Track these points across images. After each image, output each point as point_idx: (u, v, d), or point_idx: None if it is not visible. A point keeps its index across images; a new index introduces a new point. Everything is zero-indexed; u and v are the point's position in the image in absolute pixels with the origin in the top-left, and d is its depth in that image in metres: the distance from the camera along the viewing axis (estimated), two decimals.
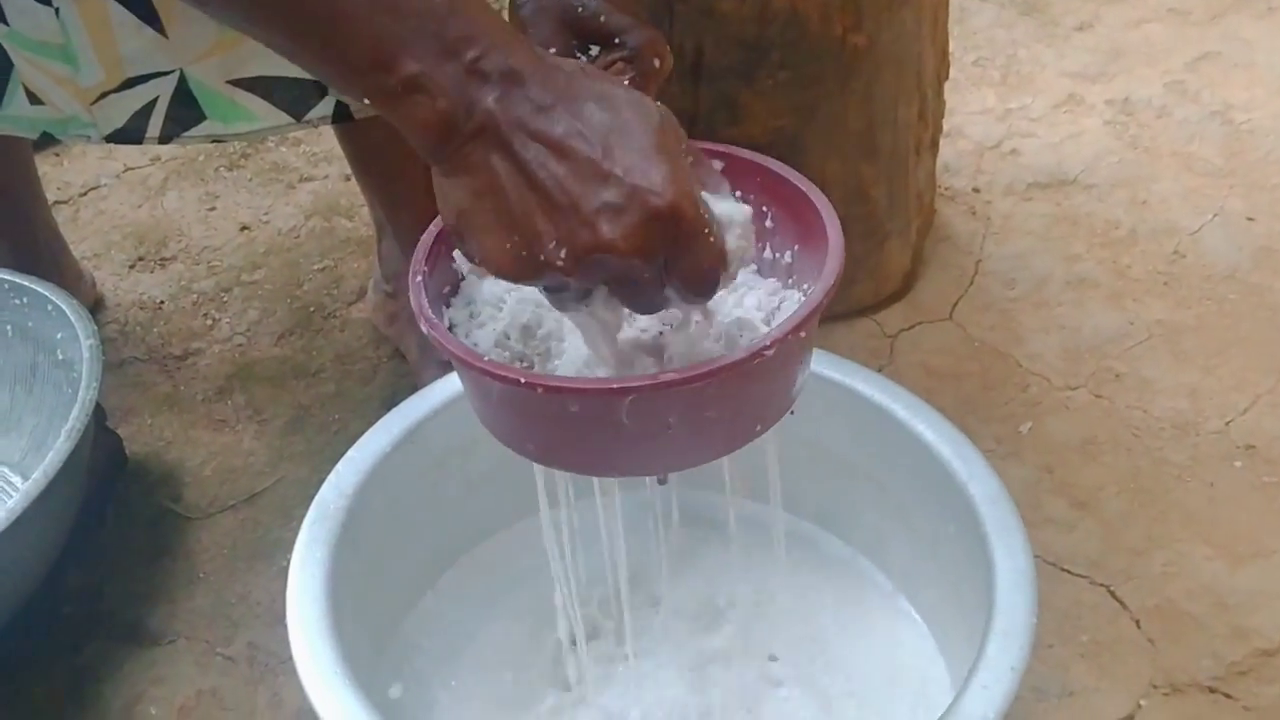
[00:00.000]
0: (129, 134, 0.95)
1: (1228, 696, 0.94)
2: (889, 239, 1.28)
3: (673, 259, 0.55)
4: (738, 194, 0.63)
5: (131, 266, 1.44)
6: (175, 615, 1.05)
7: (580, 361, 0.65)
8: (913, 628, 0.93)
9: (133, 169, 1.60)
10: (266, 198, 1.52)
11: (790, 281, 0.70)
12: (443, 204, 0.58)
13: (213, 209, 1.51)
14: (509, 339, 0.67)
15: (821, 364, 0.94)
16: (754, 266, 0.71)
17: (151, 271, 1.43)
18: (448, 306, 0.69)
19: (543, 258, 0.55)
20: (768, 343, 0.59)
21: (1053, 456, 1.14)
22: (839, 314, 1.30)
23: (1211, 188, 1.44)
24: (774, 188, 0.69)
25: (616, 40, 0.70)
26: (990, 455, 0.84)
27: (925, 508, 0.90)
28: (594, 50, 0.71)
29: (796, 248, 0.69)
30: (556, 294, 0.58)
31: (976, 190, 1.47)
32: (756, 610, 0.95)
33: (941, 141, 1.35)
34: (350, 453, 0.89)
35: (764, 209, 0.69)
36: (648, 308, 0.58)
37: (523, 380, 0.59)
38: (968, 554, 0.83)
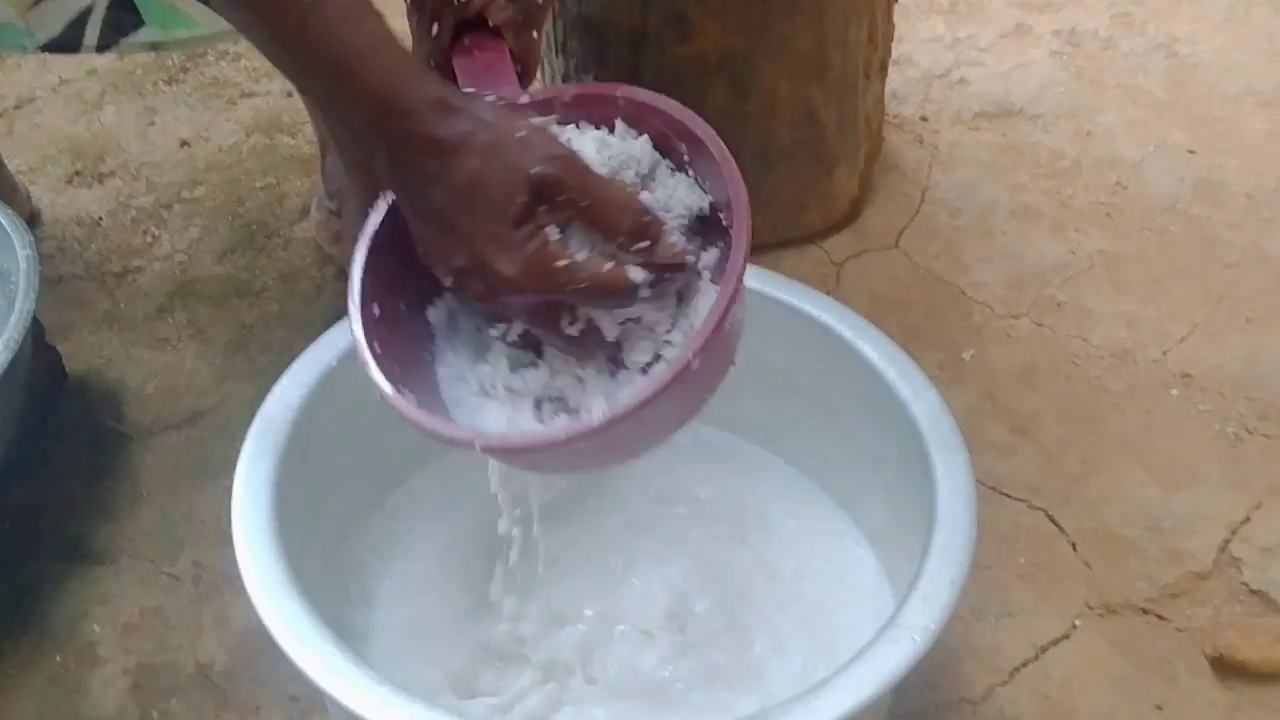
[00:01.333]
0: (65, 42, 0.93)
1: (1160, 618, 0.97)
2: (838, 165, 1.28)
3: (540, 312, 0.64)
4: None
5: (68, 182, 1.40)
6: (119, 534, 1.04)
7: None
8: (856, 546, 0.94)
9: (68, 82, 1.55)
10: (207, 113, 1.49)
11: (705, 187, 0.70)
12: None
13: (151, 124, 1.48)
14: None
15: (769, 285, 0.94)
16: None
17: (89, 187, 1.40)
18: (431, 304, 0.71)
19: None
20: (690, 356, 0.61)
21: (994, 383, 1.16)
22: (787, 241, 1.30)
23: (1155, 120, 1.45)
24: (683, 133, 0.69)
25: None
26: (934, 382, 0.85)
27: (869, 428, 0.91)
28: None
29: (707, 183, 0.69)
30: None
31: (924, 119, 1.47)
32: (699, 522, 0.96)
33: (890, 69, 1.35)
34: (295, 366, 0.88)
35: (680, 145, 0.69)
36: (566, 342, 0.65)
37: (479, 446, 0.64)
38: (910, 473, 0.84)
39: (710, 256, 0.68)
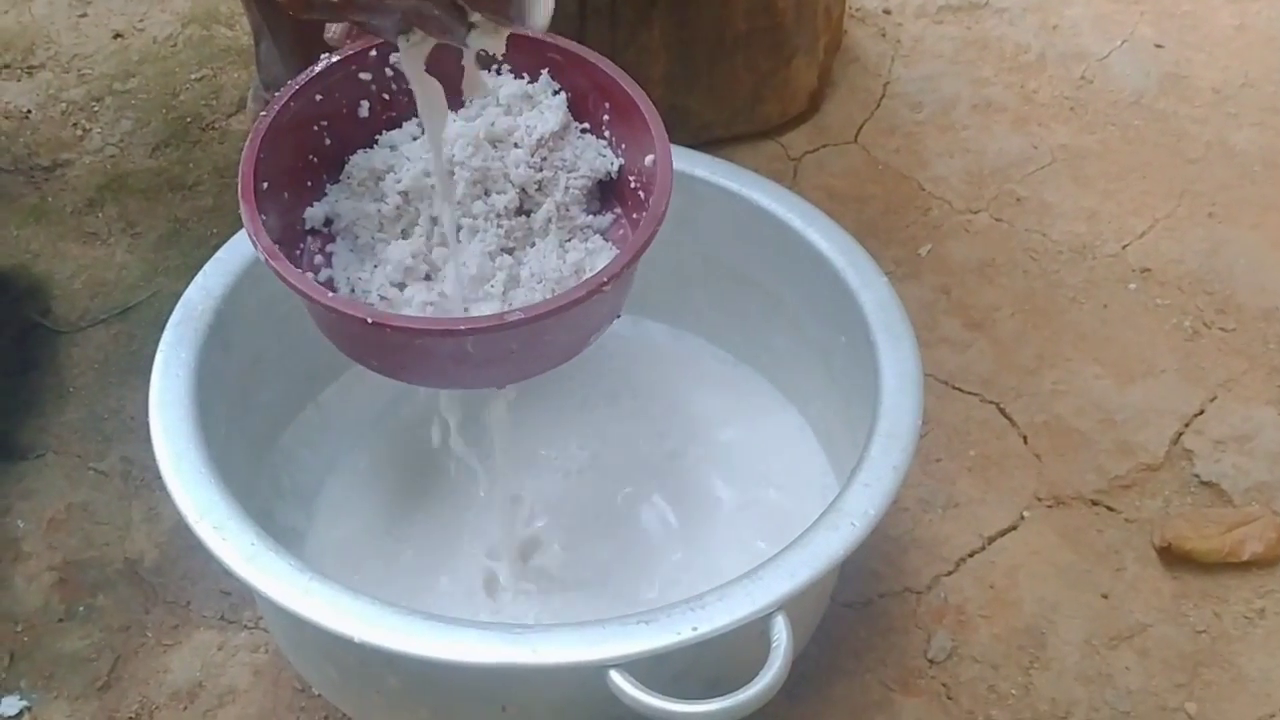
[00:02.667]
0: None
1: (1110, 509, 0.96)
2: (796, 55, 1.24)
3: None
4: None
5: None
6: (45, 429, 1.01)
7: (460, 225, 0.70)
8: (803, 438, 0.92)
9: None
10: (141, 4, 1.43)
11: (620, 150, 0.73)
12: None
13: (84, 15, 1.42)
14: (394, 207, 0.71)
15: (717, 173, 0.91)
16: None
17: (18, 80, 1.34)
18: (320, 198, 0.72)
19: None
20: (605, 278, 0.63)
21: (950, 278, 1.13)
22: (742, 134, 1.27)
23: (1122, 14, 1.41)
24: (610, 93, 0.71)
25: None
26: (889, 277, 0.83)
27: (817, 319, 0.88)
28: None
29: (624, 146, 0.72)
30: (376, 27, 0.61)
31: (887, 12, 1.43)
32: (643, 416, 0.94)
33: None
34: (220, 253, 0.85)
35: (603, 105, 0.72)
36: (450, 34, 0.60)
37: (370, 320, 0.63)
38: (858, 363, 0.82)
39: (604, 220, 0.72)
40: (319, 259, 0.71)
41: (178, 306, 0.81)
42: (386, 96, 0.74)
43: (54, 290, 1.11)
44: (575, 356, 0.69)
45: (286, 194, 0.71)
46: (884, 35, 1.40)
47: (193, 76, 1.33)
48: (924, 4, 1.43)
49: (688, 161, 0.91)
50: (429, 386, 0.75)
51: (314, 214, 0.72)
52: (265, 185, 0.68)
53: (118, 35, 1.39)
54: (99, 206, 1.19)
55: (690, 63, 1.20)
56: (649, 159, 0.68)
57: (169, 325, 0.80)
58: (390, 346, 0.67)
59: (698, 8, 1.17)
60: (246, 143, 0.68)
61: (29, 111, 1.30)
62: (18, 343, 1.07)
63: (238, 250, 0.85)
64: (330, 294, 0.66)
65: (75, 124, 1.28)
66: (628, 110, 0.70)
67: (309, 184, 0.72)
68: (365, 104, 0.73)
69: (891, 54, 1.37)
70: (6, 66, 1.35)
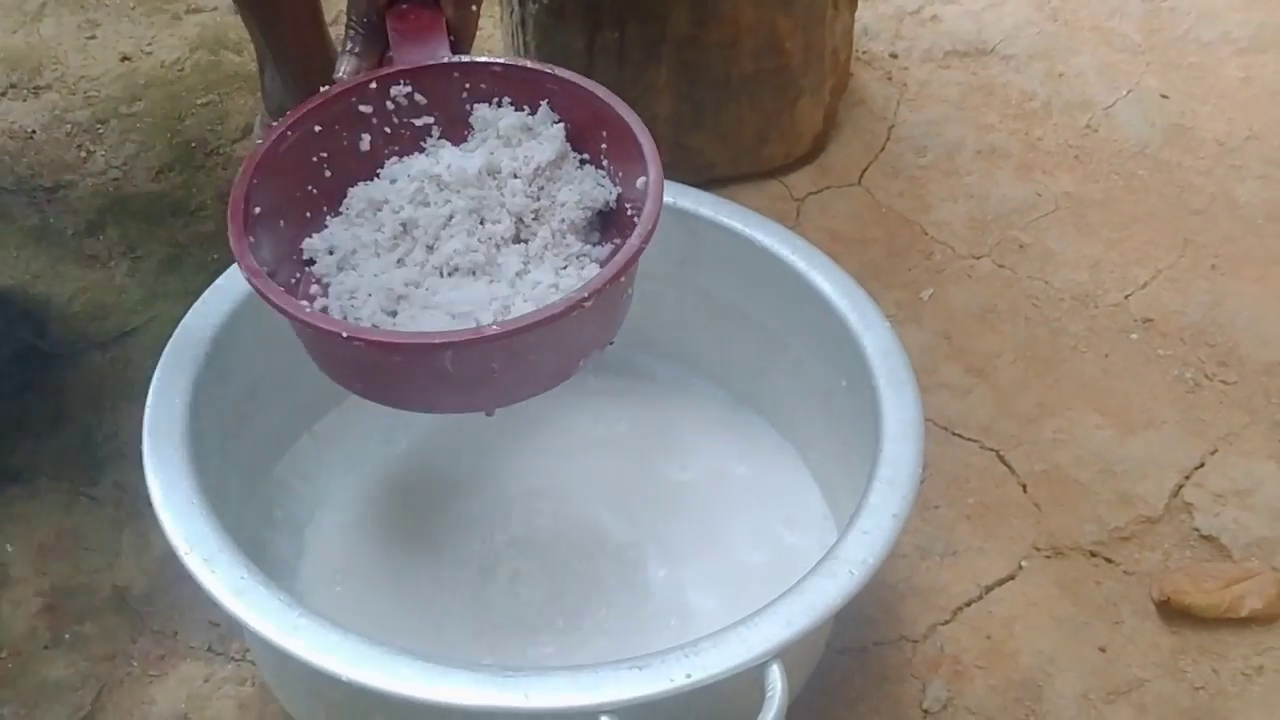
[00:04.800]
0: None
1: (1109, 560, 0.95)
2: (802, 97, 1.25)
3: None
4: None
5: (3, 94, 1.35)
6: (38, 453, 1.00)
7: (455, 253, 0.69)
8: (802, 481, 0.92)
9: None
10: (150, 28, 1.43)
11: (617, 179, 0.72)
12: None
13: (92, 38, 1.42)
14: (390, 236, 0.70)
15: (722, 214, 0.91)
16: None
17: (24, 100, 1.34)
18: (320, 229, 0.71)
19: None
20: (586, 294, 0.62)
21: (952, 323, 1.13)
22: (747, 174, 1.27)
23: (1128, 64, 1.42)
24: (608, 121, 0.71)
25: None
26: (890, 321, 0.82)
27: (819, 361, 0.88)
28: None
29: (621, 174, 0.71)
30: None
31: (894, 56, 1.43)
32: (642, 452, 0.93)
33: (862, 4, 1.31)
34: (219, 280, 0.84)
35: (601, 134, 0.72)
36: None
37: (344, 334, 0.62)
38: (858, 407, 0.81)
39: (602, 251, 0.71)
40: (315, 289, 0.71)
41: (175, 332, 0.81)
42: (388, 130, 0.73)
43: (52, 312, 1.10)
44: (564, 380, 0.68)
45: (283, 222, 0.70)
46: (890, 79, 1.40)
47: (199, 102, 1.33)
48: (930, 49, 1.44)
49: (692, 200, 0.91)
50: (415, 410, 0.73)
51: (312, 245, 0.71)
52: (258, 210, 0.68)
53: (125, 58, 1.39)
54: (100, 229, 1.18)
55: (696, 102, 1.21)
56: (640, 181, 0.68)
57: (165, 351, 0.80)
58: (370, 365, 0.67)
59: (705, 48, 1.17)
60: (242, 167, 0.68)
61: (34, 132, 1.30)
62: (13, 364, 1.06)
63: (238, 278, 0.84)
64: (308, 308, 0.65)
65: (79, 146, 1.28)
66: (623, 136, 0.70)
67: (308, 215, 0.72)
68: (366, 137, 0.73)
69: (897, 98, 1.38)
70: (13, 86, 1.36)
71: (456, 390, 0.66)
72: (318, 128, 0.71)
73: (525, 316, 0.62)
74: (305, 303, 0.68)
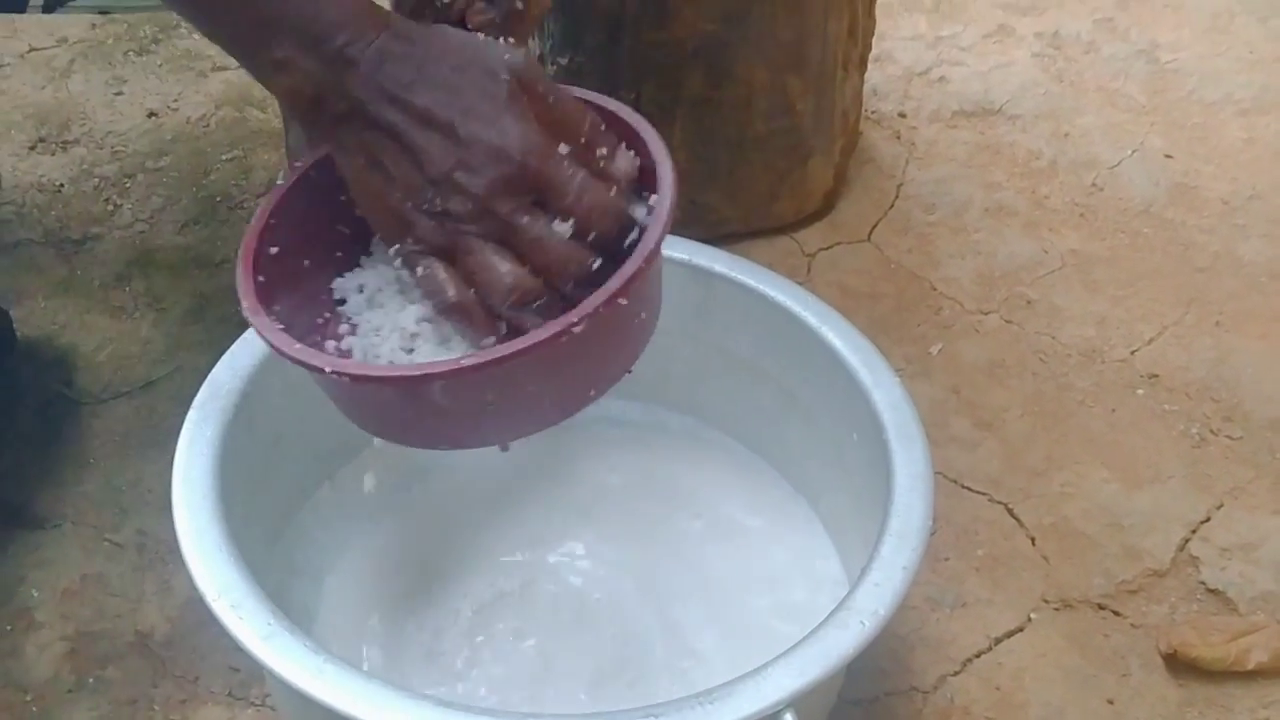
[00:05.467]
0: (11, 2, 0.91)
1: (1116, 614, 0.96)
2: (812, 156, 1.27)
3: (549, 204, 0.61)
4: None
5: (31, 148, 1.38)
6: (63, 499, 1.02)
7: None
8: (812, 532, 0.93)
9: (37, 50, 1.53)
10: (176, 85, 1.47)
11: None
12: (347, 178, 0.65)
13: (120, 94, 1.46)
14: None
15: (736, 270, 0.93)
16: None
17: (53, 154, 1.37)
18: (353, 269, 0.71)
19: (422, 207, 0.61)
20: (575, 319, 0.58)
21: (960, 378, 1.15)
22: (758, 231, 1.29)
23: (1133, 124, 1.45)
24: (630, 141, 0.69)
25: None
26: (899, 374, 0.84)
27: (831, 415, 0.90)
28: None
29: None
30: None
31: (902, 115, 1.46)
32: (653, 503, 0.95)
33: (871, 65, 1.34)
34: (249, 333, 0.86)
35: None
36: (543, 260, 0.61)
37: (327, 369, 0.61)
38: (869, 460, 0.83)
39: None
40: (344, 328, 0.70)
41: (204, 384, 0.83)
42: None
43: (79, 362, 1.13)
44: (577, 410, 0.66)
45: (308, 261, 0.70)
46: (899, 138, 1.43)
47: (224, 157, 1.36)
48: (938, 109, 1.47)
49: (707, 257, 0.94)
50: (420, 446, 0.72)
51: (343, 284, 0.71)
52: (275, 250, 0.68)
53: (152, 114, 1.42)
54: (126, 281, 1.21)
55: (710, 160, 1.23)
56: (653, 199, 0.65)
57: (195, 403, 0.82)
58: (371, 402, 0.66)
59: (719, 108, 1.20)
60: (259, 208, 0.68)
61: (62, 185, 1.33)
62: (40, 413, 1.08)
63: None
64: (297, 345, 0.63)
65: (107, 199, 1.31)
66: (637, 141, 0.68)
67: (338, 254, 0.72)
68: None
69: (906, 156, 1.40)
70: (42, 140, 1.39)
71: (456, 424, 0.64)
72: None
73: (508, 345, 0.59)
74: (333, 342, 0.68)
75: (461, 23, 0.72)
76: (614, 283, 0.60)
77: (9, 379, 1.10)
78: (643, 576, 0.92)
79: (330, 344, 0.67)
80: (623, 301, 0.59)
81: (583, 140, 0.62)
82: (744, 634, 0.87)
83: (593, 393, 0.66)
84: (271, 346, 0.64)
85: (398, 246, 0.64)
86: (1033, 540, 1.01)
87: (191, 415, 0.81)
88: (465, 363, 0.59)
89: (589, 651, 0.87)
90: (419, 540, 0.95)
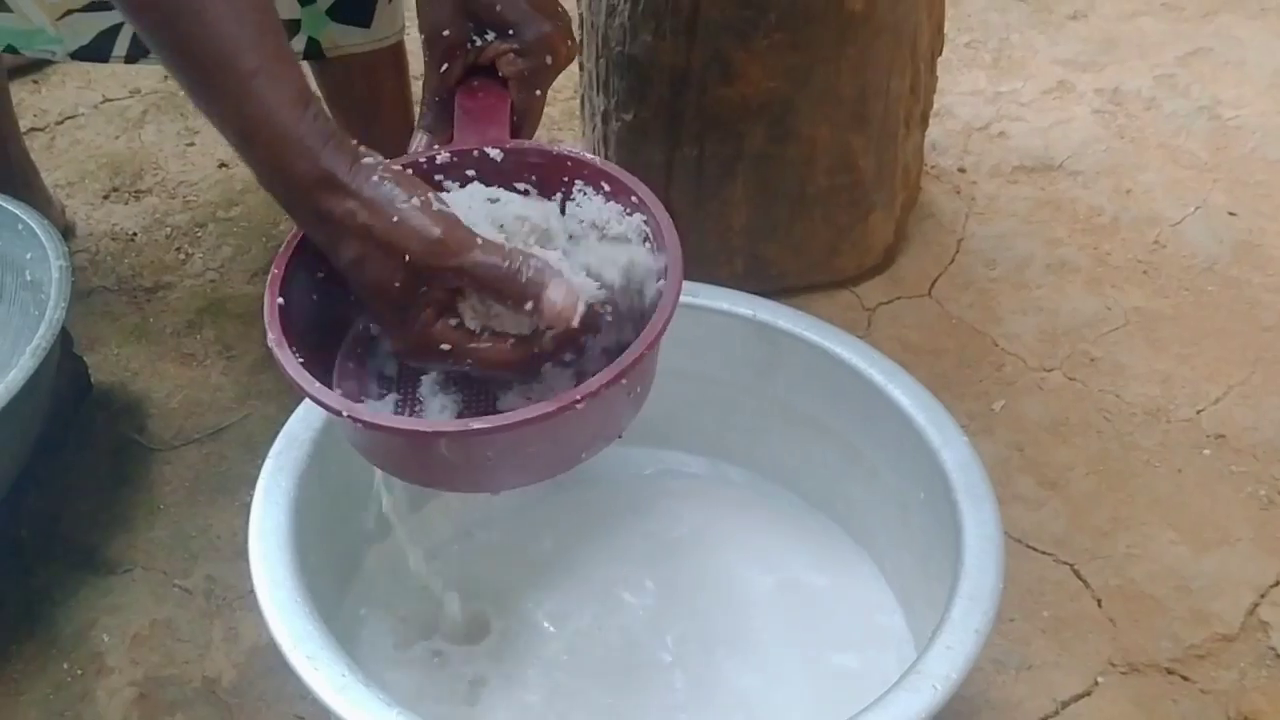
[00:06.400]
0: (94, 51, 0.93)
1: (1185, 679, 0.95)
2: (873, 211, 1.28)
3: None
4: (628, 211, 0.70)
5: (105, 197, 1.41)
6: (133, 545, 1.03)
7: None
8: (879, 590, 0.93)
9: (111, 100, 1.57)
10: None
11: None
12: None
13: (191, 144, 1.49)
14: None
15: (800, 326, 0.94)
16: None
17: (126, 203, 1.41)
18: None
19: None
20: (579, 396, 0.62)
21: (1024, 435, 1.14)
22: (820, 285, 1.30)
23: (1196, 180, 1.44)
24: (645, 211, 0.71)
25: (511, 31, 0.74)
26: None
27: (897, 473, 0.90)
28: (489, 36, 0.74)
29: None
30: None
31: (962, 170, 1.46)
32: (720, 561, 0.95)
33: (931, 121, 1.34)
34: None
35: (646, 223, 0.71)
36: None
37: (344, 413, 0.64)
38: (937, 519, 0.83)
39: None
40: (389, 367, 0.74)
41: (279, 436, 0.84)
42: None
43: (151, 408, 1.15)
44: (566, 470, 0.69)
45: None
46: (958, 193, 1.43)
47: None
48: (998, 164, 1.47)
49: (772, 313, 0.94)
50: (432, 487, 0.76)
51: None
52: (315, 297, 0.70)
53: (223, 165, 1.45)
54: (198, 329, 1.23)
55: (771, 215, 1.24)
56: (661, 283, 0.67)
57: (270, 454, 0.83)
58: (375, 441, 0.69)
59: (781, 165, 1.21)
60: (287, 238, 0.70)
61: (135, 234, 1.36)
62: (113, 458, 1.10)
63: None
64: (318, 385, 0.66)
65: (178, 248, 1.33)
66: (655, 233, 0.70)
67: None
68: None
69: (966, 211, 1.41)
70: (115, 190, 1.42)
71: (457, 473, 0.68)
72: None
73: (516, 413, 0.63)
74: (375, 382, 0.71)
75: (492, 69, 0.75)
76: (618, 365, 0.63)
77: (84, 426, 1.12)
78: (705, 631, 0.92)
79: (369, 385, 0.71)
80: (624, 382, 0.63)
81: (510, 302, 0.62)
82: (810, 694, 0.86)
83: (584, 455, 0.69)
84: (293, 383, 0.66)
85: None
86: (1099, 602, 1.00)
87: (267, 466, 0.82)
88: (474, 425, 0.62)
89: (649, 707, 0.87)
90: (481, 587, 0.95)
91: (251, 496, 0.80)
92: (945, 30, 1.29)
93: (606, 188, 0.72)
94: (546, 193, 0.73)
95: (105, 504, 1.06)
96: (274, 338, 0.66)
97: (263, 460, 0.83)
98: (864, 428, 0.92)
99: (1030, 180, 1.45)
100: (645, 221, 0.70)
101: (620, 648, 0.91)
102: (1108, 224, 1.38)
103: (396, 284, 0.62)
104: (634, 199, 0.71)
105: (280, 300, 0.68)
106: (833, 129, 1.20)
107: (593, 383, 0.63)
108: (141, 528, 1.05)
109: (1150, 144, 1.50)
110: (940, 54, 1.30)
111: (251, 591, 0.74)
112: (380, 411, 0.70)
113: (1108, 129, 1.53)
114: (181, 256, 1.32)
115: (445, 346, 0.64)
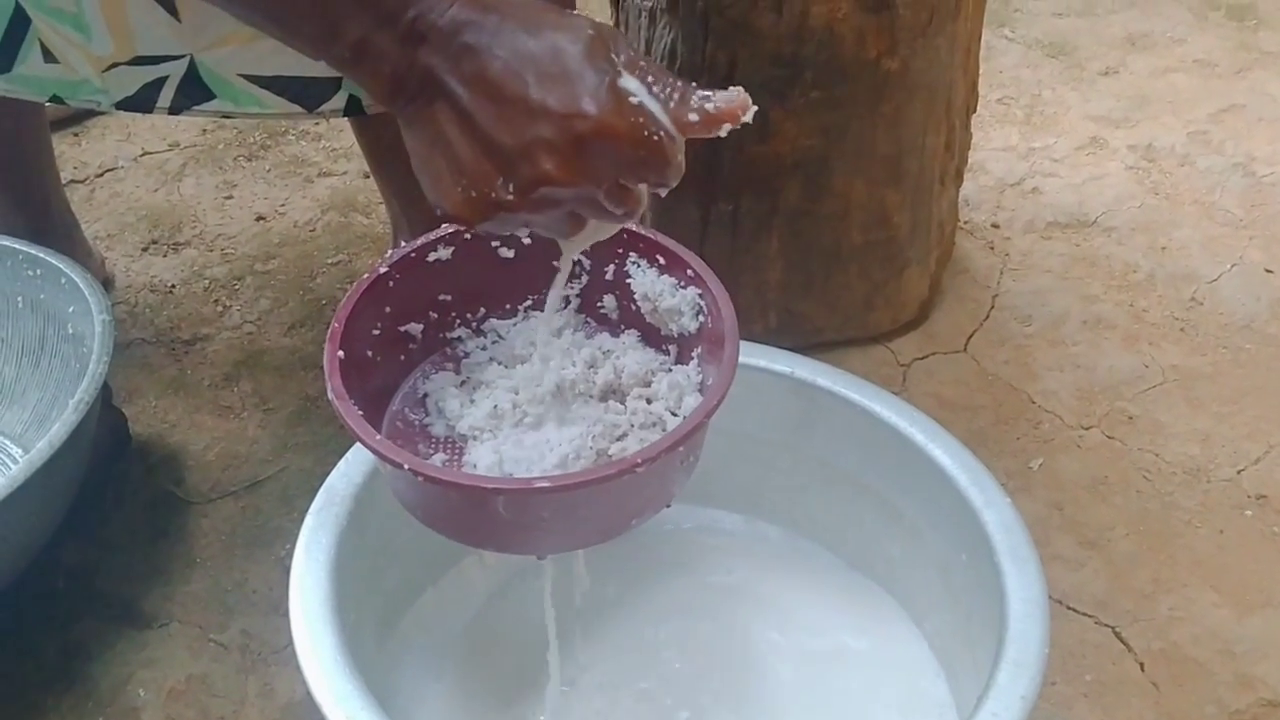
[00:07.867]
0: (139, 103, 0.94)
1: None
2: (908, 267, 1.28)
3: (624, 169, 0.59)
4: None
5: (144, 250, 1.43)
6: (170, 598, 1.03)
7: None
8: (920, 653, 0.92)
9: (151, 153, 1.59)
10: (284, 190, 1.51)
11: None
12: (411, 156, 0.64)
13: (229, 197, 1.51)
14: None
15: (839, 384, 0.93)
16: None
17: (164, 256, 1.42)
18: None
19: (493, 195, 0.59)
20: (639, 460, 0.63)
21: (1062, 494, 1.13)
22: (854, 340, 1.30)
23: (1231, 238, 1.44)
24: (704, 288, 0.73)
25: None
26: None
27: (938, 533, 0.89)
28: None
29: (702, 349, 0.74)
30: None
31: (996, 226, 1.46)
32: (757, 622, 0.94)
33: (964, 176, 1.35)
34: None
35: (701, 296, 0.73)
36: (623, 214, 0.61)
37: (406, 466, 0.64)
38: (979, 581, 0.82)
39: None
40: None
41: (320, 492, 0.84)
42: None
43: (188, 461, 1.15)
44: (615, 536, 0.70)
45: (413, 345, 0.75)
46: (993, 249, 1.43)
47: (329, 260, 1.40)
48: (1032, 220, 1.47)
49: (809, 370, 0.94)
50: (479, 547, 0.77)
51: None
52: (369, 353, 0.73)
53: (260, 218, 1.47)
54: (235, 381, 1.24)
55: (806, 271, 1.24)
56: (723, 355, 0.69)
57: (311, 510, 0.83)
58: (429, 497, 0.69)
59: (816, 221, 1.21)
60: (350, 289, 0.72)
61: (173, 286, 1.37)
62: (149, 511, 1.11)
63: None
64: (379, 438, 0.67)
65: (216, 300, 1.34)
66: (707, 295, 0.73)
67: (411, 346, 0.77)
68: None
69: (1000, 267, 1.40)
70: (154, 243, 1.44)
71: (509, 532, 0.68)
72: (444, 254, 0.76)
73: (578, 474, 0.65)
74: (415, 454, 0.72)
75: None
76: (678, 432, 0.65)
77: (122, 479, 1.12)
78: (738, 694, 0.91)
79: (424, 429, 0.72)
80: (681, 449, 0.65)
81: (669, 90, 0.60)
82: None
83: (634, 522, 0.70)
84: (353, 432, 0.66)
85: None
86: (1141, 666, 0.98)
87: (308, 522, 0.82)
88: (536, 484, 0.63)
89: None
90: (513, 648, 0.95)
91: (287, 550, 0.81)
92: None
93: (661, 260, 0.73)
94: (600, 264, 0.75)
95: (142, 557, 1.07)
96: (335, 389, 0.67)
97: (300, 514, 0.83)
98: (903, 487, 0.92)
99: (1064, 236, 1.45)
100: (700, 295, 0.71)
101: (652, 708, 0.90)
102: (1143, 281, 1.38)
103: (586, 35, 0.58)
104: (689, 272, 0.72)
105: (341, 354, 0.68)
106: (868, 185, 1.21)
107: (653, 448, 0.64)
108: (178, 581, 1.05)
109: (1185, 200, 1.50)
110: (975, 110, 1.30)
111: (287, 647, 0.74)
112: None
113: (1141, 185, 1.53)
114: (219, 309, 1.33)
115: (635, 101, 0.57)
